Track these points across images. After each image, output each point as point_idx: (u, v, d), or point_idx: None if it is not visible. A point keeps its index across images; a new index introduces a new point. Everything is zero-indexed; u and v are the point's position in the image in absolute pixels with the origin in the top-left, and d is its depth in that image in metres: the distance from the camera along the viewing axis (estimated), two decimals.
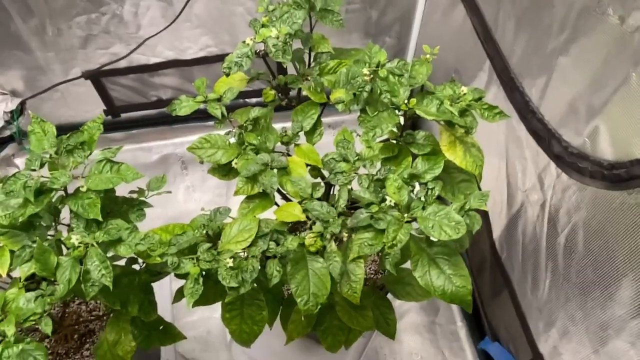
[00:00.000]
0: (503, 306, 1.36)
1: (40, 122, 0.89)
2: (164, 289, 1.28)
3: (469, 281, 0.86)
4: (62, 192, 0.90)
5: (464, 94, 0.90)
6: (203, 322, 1.65)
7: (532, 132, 1.07)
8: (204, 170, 1.96)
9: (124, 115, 1.92)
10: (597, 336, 0.99)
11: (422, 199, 0.88)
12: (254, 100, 1.91)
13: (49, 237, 0.94)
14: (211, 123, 1.96)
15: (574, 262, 1.02)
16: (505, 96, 1.17)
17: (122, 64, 1.71)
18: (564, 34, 0.96)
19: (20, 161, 1.94)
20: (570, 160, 0.95)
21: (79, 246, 0.83)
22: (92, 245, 0.83)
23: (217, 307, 1.64)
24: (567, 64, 0.97)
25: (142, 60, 1.73)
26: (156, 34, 1.62)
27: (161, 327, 1.15)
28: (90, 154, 0.88)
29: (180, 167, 1.97)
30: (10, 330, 0.80)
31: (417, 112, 0.89)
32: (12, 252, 0.92)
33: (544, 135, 1.03)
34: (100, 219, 0.83)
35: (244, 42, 0.95)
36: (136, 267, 1.08)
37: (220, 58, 1.75)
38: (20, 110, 1.78)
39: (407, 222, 0.84)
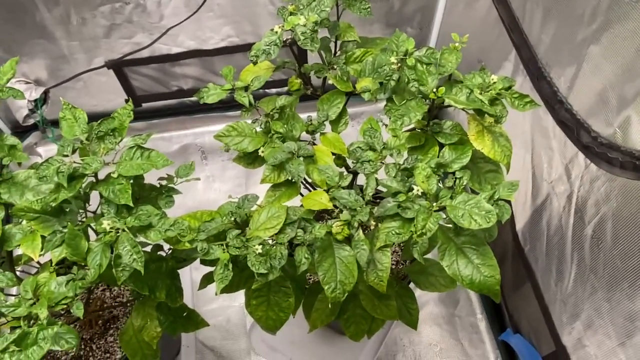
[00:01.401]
0: (525, 298, 1.35)
1: (71, 109, 0.90)
2: (184, 278, 1.30)
3: (498, 271, 0.86)
4: (91, 178, 0.92)
5: (494, 82, 0.90)
6: (222, 310, 1.67)
7: (559, 122, 1.06)
8: (224, 160, 1.97)
9: (145, 105, 1.93)
10: (624, 328, 0.98)
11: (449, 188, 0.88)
12: (273, 90, 1.92)
13: (78, 223, 0.95)
14: (231, 113, 1.97)
15: (601, 254, 1.01)
16: (531, 86, 1.16)
17: (145, 53, 1.72)
18: (595, 23, 0.95)
19: (42, 150, 1.96)
20: (600, 150, 0.94)
21: (110, 231, 0.84)
22: (124, 230, 0.84)
23: (237, 295, 1.66)
24: (598, 53, 0.96)
25: (164, 50, 1.74)
26: (179, 24, 1.63)
27: (185, 314, 1.16)
28: (121, 140, 0.89)
29: (200, 157, 1.98)
30: (43, 313, 0.82)
31: (447, 100, 0.88)
32: (42, 237, 0.94)
33: (572, 126, 1.02)
34: (131, 204, 0.84)
35: (272, 30, 0.95)
36: (161, 253, 1.09)
37: (241, 48, 1.75)
38: (43, 99, 1.80)
39: (435, 211, 0.84)
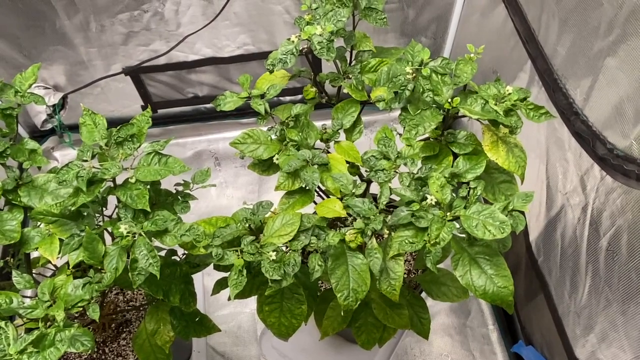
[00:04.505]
0: (538, 310, 1.35)
1: (91, 114, 0.92)
2: (196, 283, 1.32)
3: (511, 282, 0.86)
4: (110, 183, 0.93)
5: (509, 93, 0.90)
6: (234, 316, 1.67)
7: (575, 134, 1.06)
8: (237, 167, 1.98)
9: (160, 111, 1.95)
10: (639, 342, 0.97)
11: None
12: (287, 98, 1.93)
13: (95, 227, 0.97)
14: (245, 120, 1.99)
15: (616, 266, 1.00)
16: (547, 97, 1.16)
17: (161, 60, 1.75)
18: (612, 35, 0.95)
19: (59, 154, 1.99)
20: (615, 162, 0.94)
21: (127, 235, 0.85)
22: (140, 234, 0.85)
23: (248, 302, 1.66)
24: (614, 65, 0.96)
25: (181, 58, 1.76)
26: (196, 32, 1.65)
27: (197, 319, 1.17)
28: (139, 146, 0.90)
29: (214, 164, 2.00)
30: (59, 316, 0.83)
31: (462, 110, 0.89)
32: (60, 240, 0.95)
33: (587, 137, 1.02)
34: (148, 209, 0.85)
35: (288, 39, 0.96)
36: (175, 258, 1.10)
37: (257, 56, 1.77)
38: (62, 104, 1.83)
39: (449, 220, 0.84)
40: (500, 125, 0.91)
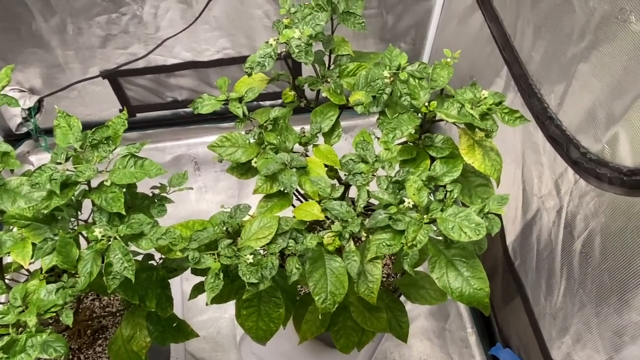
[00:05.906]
0: (515, 312, 1.36)
1: (65, 117, 0.90)
2: (175, 288, 1.31)
3: (487, 284, 0.87)
4: (84, 186, 0.92)
5: (485, 97, 0.91)
6: (213, 322, 1.66)
7: (549, 138, 1.08)
8: (217, 172, 1.97)
9: (139, 115, 1.93)
10: (612, 342, 0.99)
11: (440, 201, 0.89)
12: (267, 102, 1.93)
13: (69, 231, 0.95)
14: (225, 125, 1.98)
15: (590, 269, 1.02)
16: (522, 102, 1.18)
17: (140, 64, 1.73)
18: (584, 41, 0.97)
19: (35, 158, 1.96)
20: (588, 166, 0.95)
21: (102, 239, 0.84)
22: (115, 238, 0.84)
23: (227, 307, 1.65)
24: (587, 71, 0.98)
25: (160, 61, 1.75)
26: (175, 35, 1.64)
27: (175, 324, 1.16)
28: (114, 148, 0.89)
29: (193, 168, 1.98)
30: (31, 321, 0.81)
31: (438, 114, 0.90)
32: (33, 244, 0.94)
33: (561, 141, 1.04)
34: (123, 212, 0.84)
35: (267, 42, 0.96)
36: (152, 263, 1.09)
37: (236, 60, 1.76)
38: (37, 107, 1.80)
39: (426, 223, 0.85)
40: (477, 129, 0.92)
